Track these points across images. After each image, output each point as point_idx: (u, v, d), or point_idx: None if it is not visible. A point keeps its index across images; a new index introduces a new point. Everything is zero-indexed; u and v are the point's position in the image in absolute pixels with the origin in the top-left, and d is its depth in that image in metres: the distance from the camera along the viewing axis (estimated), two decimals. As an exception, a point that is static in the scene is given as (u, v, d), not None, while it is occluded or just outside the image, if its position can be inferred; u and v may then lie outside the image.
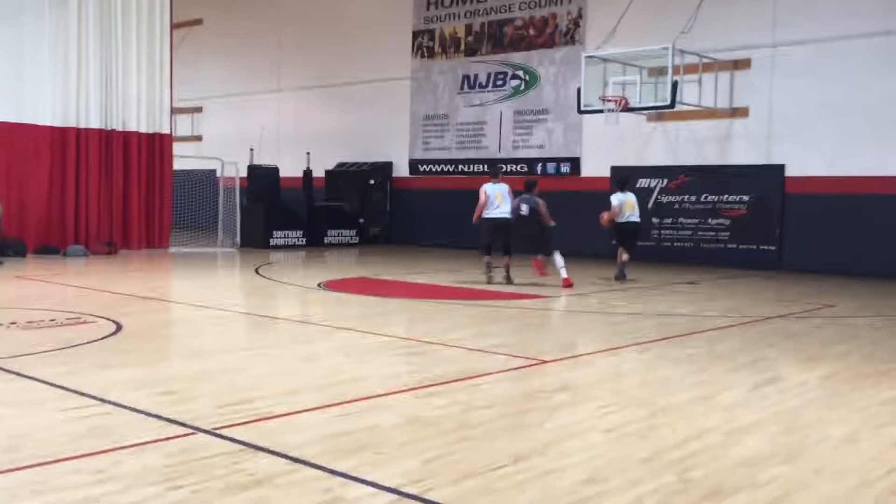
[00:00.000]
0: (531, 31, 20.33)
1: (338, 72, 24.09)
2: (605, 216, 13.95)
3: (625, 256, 13.89)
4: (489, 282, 12.98)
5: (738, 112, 17.09)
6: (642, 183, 18.22)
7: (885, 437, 5.03)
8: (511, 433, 4.87)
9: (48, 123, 17.23)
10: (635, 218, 13.95)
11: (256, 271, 14.79)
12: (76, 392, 5.59)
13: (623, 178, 14.83)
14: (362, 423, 5.00)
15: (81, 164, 17.65)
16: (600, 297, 11.86)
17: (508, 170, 20.64)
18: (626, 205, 13.84)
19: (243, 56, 26.86)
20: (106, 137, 18.05)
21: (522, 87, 20.49)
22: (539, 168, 20.03)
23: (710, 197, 17.43)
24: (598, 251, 17.18)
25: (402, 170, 22.90)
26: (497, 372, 6.60)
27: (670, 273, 15.71)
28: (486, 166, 21.03)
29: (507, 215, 12.87)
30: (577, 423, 5.14)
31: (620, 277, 13.83)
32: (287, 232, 20.78)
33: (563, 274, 12.79)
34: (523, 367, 6.84)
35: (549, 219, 12.99)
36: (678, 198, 17.79)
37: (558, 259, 12.90)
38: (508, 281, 12.89)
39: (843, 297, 12.44)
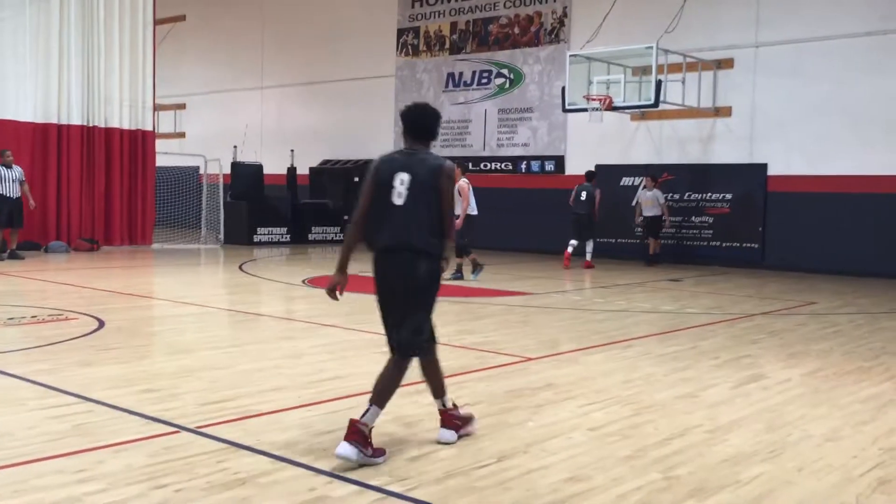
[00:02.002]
0: (516, 30, 20.35)
1: (322, 69, 24.03)
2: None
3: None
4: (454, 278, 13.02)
5: (721, 111, 17.18)
6: (626, 181, 18.30)
7: (867, 434, 5.06)
8: (495, 431, 4.88)
9: (29, 120, 17.12)
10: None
11: (240, 268, 14.74)
12: (58, 390, 5.55)
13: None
14: (346, 421, 4.97)
15: (63, 161, 17.54)
16: (584, 295, 11.89)
17: (493, 168, 20.73)
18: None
19: (227, 53, 26.75)
20: (88, 134, 17.93)
21: (507, 85, 20.51)
22: (523, 166, 20.06)
23: (693, 195, 17.51)
24: (581, 248, 17.19)
25: (386, 167, 22.82)
26: (481, 370, 6.61)
27: (654, 270, 15.78)
28: (470, 164, 21.07)
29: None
30: (560, 422, 5.15)
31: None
32: (271, 229, 20.73)
33: (588, 258, 15.71)
34: (507, 364, 6.85)
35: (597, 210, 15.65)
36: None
37: (590, 245, 15.80)
38: (459, 276, 13.08)
39: (825, 294, 12.53)
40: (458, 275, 13.06)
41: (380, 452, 4.28)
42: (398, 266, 4.50)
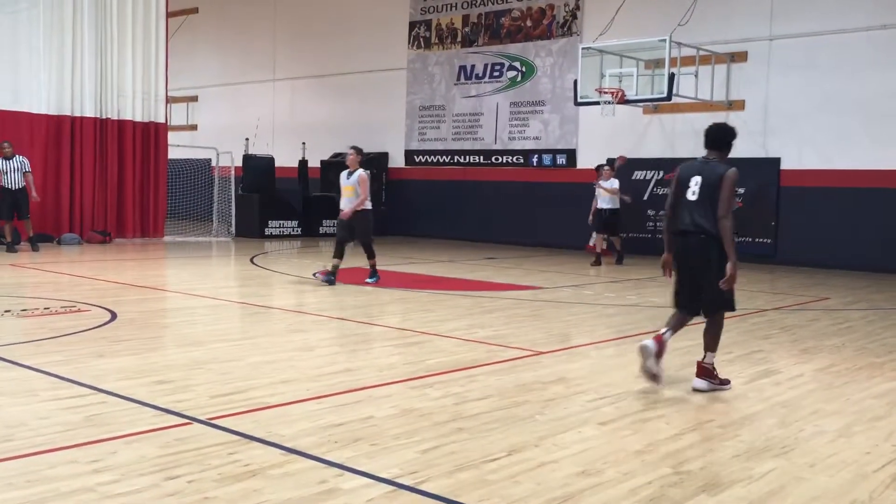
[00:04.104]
0: (528, 23, 20.28)
1: (334, 62, 24.02)
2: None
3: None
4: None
5: (735, 105, 17.08)
6: (638, 175, 18.23)
7: (880, 430, 5.04)
8: (505, 425, 4.87)
9: (43, 111, 17.18)
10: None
11: (251, 261, 14.78)
12: (71, 381, 5.58)
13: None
14: (357, 414, 5.00)
15: (76, 153, 17.60)
16: (595, 289, 11.86)
17: (504, 161, 20.68)
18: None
19: (239, 45, 26.76)
20: (101, 126, 17.99)
21: (519, 78, 20.45)
22: (535, 160, 20.01)
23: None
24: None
25: (397, 160, 22.86)
26: (491, 363, 6.60)
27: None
28: (482, 157, 21.06)
29: None
30: (571, 416, 5.14)
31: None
32: (282, 222, 20.75)
33: (591, 241, 15.70)
34: (518, 358, 6.84)
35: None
36: (674, 190, 17.79)
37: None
38: (377, 278, 11.67)
39: (838, 289, 12.46)
40: (375, 278, 11.53)
41: (726, 381, 5.94)
42: (695, 246, 5.88)
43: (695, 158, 6.21)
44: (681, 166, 6.20)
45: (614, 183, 15.43)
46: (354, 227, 11.35)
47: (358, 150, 11.50)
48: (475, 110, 21.24)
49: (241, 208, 20.66)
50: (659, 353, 5.74)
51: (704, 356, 5.91)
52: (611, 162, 16.33)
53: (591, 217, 15.84)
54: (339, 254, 11.40)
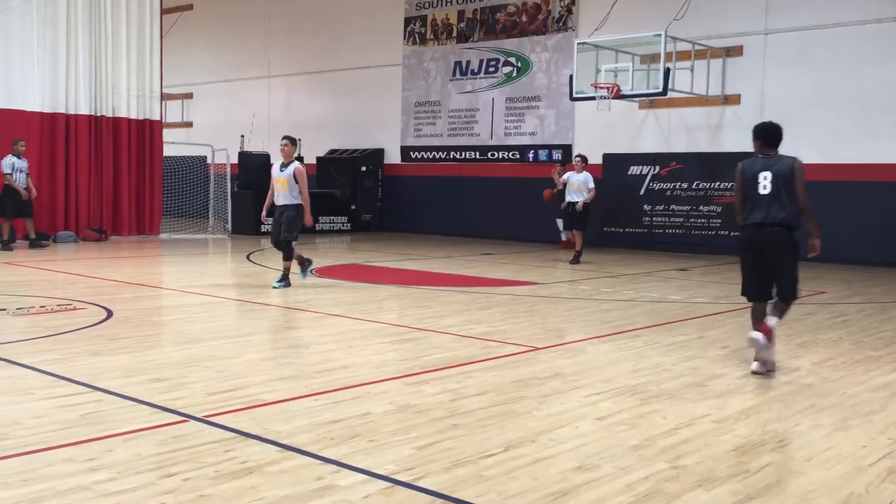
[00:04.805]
0: (523, 18, 20.26)
1: (329, 58, 23.98)
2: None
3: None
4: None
5: (730, 99, 17.09)
6: (634, 170, 18.24)
7: (876, 423, 5.05)
8: (502, 421, 4.87)
9: (37, 109, 17.12)
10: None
11: (248, 258, 14.76)
12: (66, 379, 5.57)
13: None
14: (353, 410, 4.99)
15: (71, 151, 17.56)
16: (591, 284, 11.87)
17: (500, 157, 20.67)
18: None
19: (234, 42, 26.71)
20: (96, 123, 17.95)
21: (514, 73, 20.44)
22: (531, 155, 20.01)
23: (701, 184, 17.45)
24: (589, 238, 17.16)
25: (393, 157, 22.84)
26: (488, 359, 6.60)
27: (662, 260, 15.74)
28: (478, 153, 21.04)
29: None
30: (568, 411, 5.14)
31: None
32: (278, 219, 20.69)
33: (564, 237, 15.73)
34: (514, 354, 6.85)
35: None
36: (670, 185, 17.81)
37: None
38: (286, 283, 10.58)
39: (834, 283, 12.48)
40: (284, 283, 10.54)
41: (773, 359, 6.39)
42: (771, 236, 6.32)
43: (754, 156, 6.59)
44: (742, 164, 6.58)
45: (588, 177, 14.58)
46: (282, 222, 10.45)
47: (291, 140, 10.70)
48: (471, 106, 21.23)
49: (238, 205, 20.63)
50: (770, 339, 6.21)
51: (771, 320, 6.35)
52: (582, 154, 15.76)
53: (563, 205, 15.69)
54: (288, 255, 10.59)
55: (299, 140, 11.19)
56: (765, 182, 6.31)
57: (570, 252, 15.04)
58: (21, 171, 15.32)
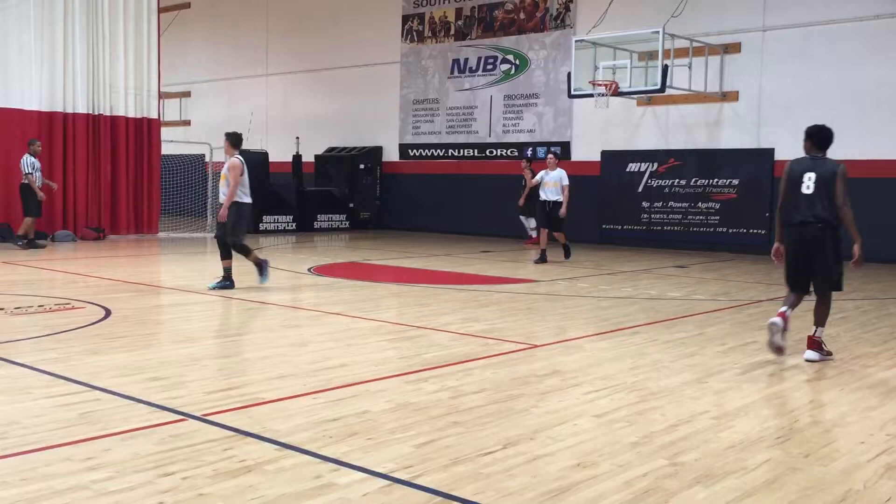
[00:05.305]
0: (521, 15, 20.25)
1: (327, 56, 23.97)
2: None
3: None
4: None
5: (728, 96, 17.10)
6: (632, 167, 18.24)
7: (874, 419, 5.05)
8: (501, 418, 4.87)
9: (35, 108, 17.11)
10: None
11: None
12: (65, 378, 5.56)
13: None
14: (352, 408, 4.99)
15: (69, 149, 17.55)
16: (590, 281, 11.87)
17: (499, 154, 20.66)
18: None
19: (231, 40, 26.70)
20: (93, 122, 17.94)
21: (512, 71, 20.43)
22: (529, 152, 20.01)
23: (699, 181, 17.45)
24: (587, 235, 17.18)
25: (391, 154, 22.84)
26: (487, 357, 6.60)
27: (660, 257, 15.75)
28: (476, 151, 21.04)
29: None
30: (566, 408, 5.14)
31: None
32: (277, 217, 20.72)
33: (533, 235, 15.49)
34: (513, 351, 6.85)
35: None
36: (668, 182, 17.81)
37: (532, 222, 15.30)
38: (229, 284, 10.39)
39: (832, 280, 12.46)
40: (228, 283, 10.29)
41: (830, 353, 6.74)
42: (812, 234, 6.66)
43: (803, 157, 6.90)
44: (790, 164, 6.93)
45: (563, 174, 14.01)
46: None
47: (227, 136, 10.50)
48: (469, 103, 21.22)
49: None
50: (784, 329, 6.52)
51: (815, 330, 6.67)
52: (555, 150, 15.60)
53: (521, 201, 15.82)
54: (227, 255, 10.34)
55: (243, 135, 11.04)
56: (808, 182, 6.65)
57: (538, 252, 14.42)
58: (38, 171, 15.37)
